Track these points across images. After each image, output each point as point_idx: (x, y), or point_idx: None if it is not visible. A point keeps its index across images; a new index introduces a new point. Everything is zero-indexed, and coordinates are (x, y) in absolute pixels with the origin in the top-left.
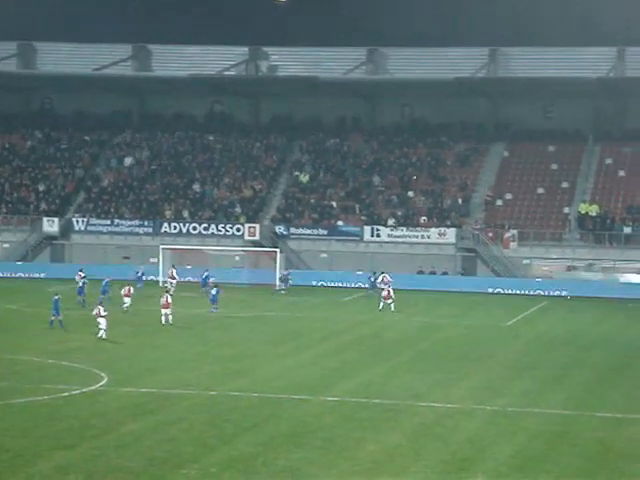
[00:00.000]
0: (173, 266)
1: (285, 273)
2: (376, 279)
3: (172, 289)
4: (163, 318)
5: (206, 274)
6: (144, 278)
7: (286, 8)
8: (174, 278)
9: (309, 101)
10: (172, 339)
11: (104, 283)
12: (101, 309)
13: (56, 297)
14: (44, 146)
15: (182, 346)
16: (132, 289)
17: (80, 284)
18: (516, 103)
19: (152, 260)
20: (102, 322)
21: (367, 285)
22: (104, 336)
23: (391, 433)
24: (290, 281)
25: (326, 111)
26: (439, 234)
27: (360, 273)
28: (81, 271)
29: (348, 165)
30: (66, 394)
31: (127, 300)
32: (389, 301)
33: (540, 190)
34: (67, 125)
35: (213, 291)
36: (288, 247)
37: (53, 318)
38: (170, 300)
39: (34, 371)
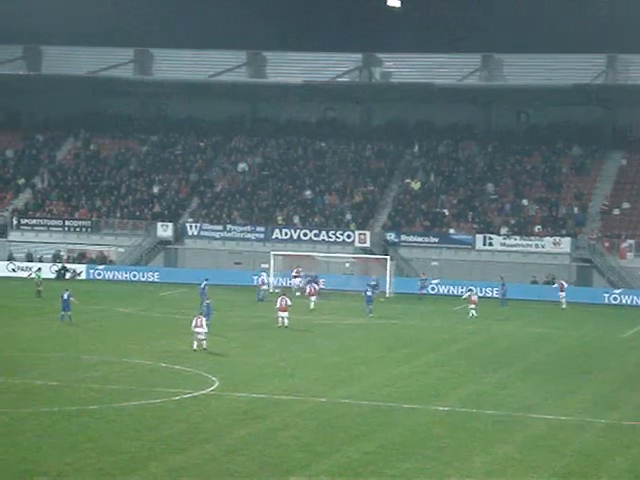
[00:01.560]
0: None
1: (372, 281)
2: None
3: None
4: (279, 320)
5: (204, 283)
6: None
7: (400, 14)
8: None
9: (422, 107)
10: (281, 345)
11: (202, 289)
12: (203, 319)
13: (66, 294)
14: (159, 151)
15: (291, 352)
16: (288, 301)
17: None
18: (635, 110)
19: (263, 266)
20: (201, 332)
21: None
22: (204, 346)
23: (502, 444)
24: (379, 289)
25: (439, 117)
26: (554, 243)
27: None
28: (207, 280)
29: (461, 172)
30: (178, 398)
31: (283, 314)
32: (472, 306)
33: None
34: (182, 130)
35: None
36: (399, 254)
37: (63, 313)
38: (289, 303)
39: (147, 374)
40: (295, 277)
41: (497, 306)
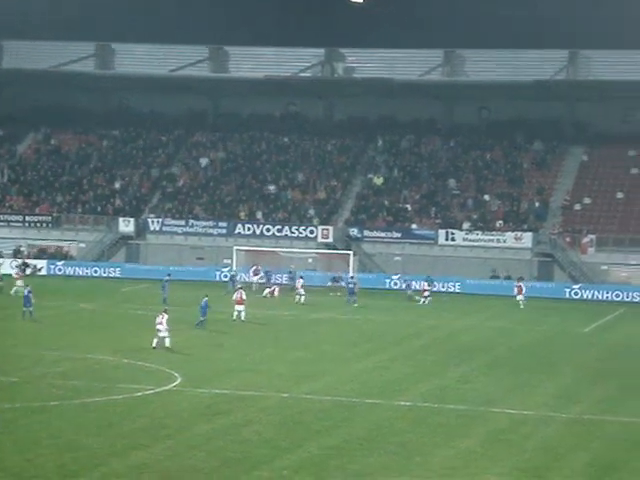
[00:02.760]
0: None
1: (336, 276)
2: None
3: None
4: (235, 314)
5: (166, 279)
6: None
7: (363, 9)
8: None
9: (384, 102)
10: (244, 340)
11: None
12: (166, 317)
13: (27, 290)
14: (120, 145)
15: (254, 348)
16: (243, 294)
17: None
18: (595, 106)
19: (226, 261)
20: (162, 329)
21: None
22: (167, 344)
23: (465, 439)
24: (343, 283)
25: (401, 112)
26: (515, 238)
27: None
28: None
29: (423, 167)
30: (140, 394)
31: (239, 307)
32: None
33: (619, 195)
34: (143, 125)
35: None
36: (362, 250)
37: (24, 309)
38: (244, 297)
39: (109, 370)
40: (254, 275)
41: (457, 301)
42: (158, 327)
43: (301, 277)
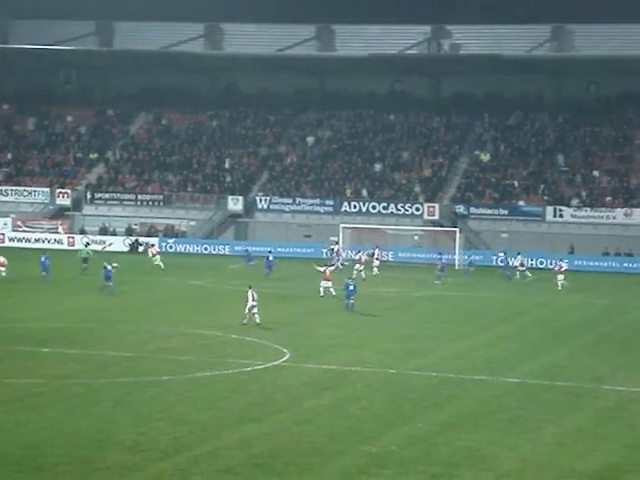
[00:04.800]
0: (377, 247)
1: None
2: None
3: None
4: (321, 290)
5: (270, 256)
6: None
7: None
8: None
9: (491, 79)
10: (350, 317)
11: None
12: (254, 294)
13: (110, 265)
14: (230, 125)
15: (360, 324)
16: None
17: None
18: None
19: (332, 238)
20: (250, 305)
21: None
22: (257, 320)
23: (573, 416)
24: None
25: (508, 88)
26: (625, 214)
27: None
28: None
29: (531, 143)
30: (250, 369)
31: (326, 284)
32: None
33: None
34: (251, 105)
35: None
36: (468, 227)
37: (105, 284)
38: (329, 273)
39: (219, 346)
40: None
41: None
42: (249, 303)
43: (375, 249)
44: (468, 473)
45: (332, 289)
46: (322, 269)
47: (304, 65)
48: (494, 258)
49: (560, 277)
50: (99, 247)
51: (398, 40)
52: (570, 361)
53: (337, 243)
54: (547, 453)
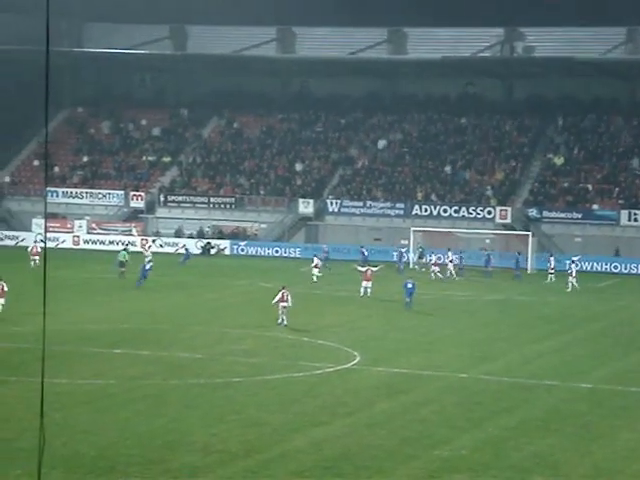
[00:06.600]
0: (449, 249)
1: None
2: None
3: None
4: (362, 290)
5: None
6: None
7: None
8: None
9: (565, 81)
10: (420, 321)
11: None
12: (289, 295)
13: (149, 265)
14: (301, 129)
15: (430, 328)
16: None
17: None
18: None
19: (403, 242)
20: (285, 306)
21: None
22: (285, 321)
23: None
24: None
25: (582, 91)
26: None
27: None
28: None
29: (605, 147)
30: (320, 371)
31: (367, 284)
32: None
33: None
34: (322, 108)
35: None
36: (541, 231)
37: (141, 280)
38: (370, 274)
39: (290, 348)
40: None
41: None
42: (282, 304)
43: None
44: (539, 479)
45: (369, 289)
46: (364, 269)
47: (376, 68)
48: (567, 262)
49: (571, 278)
50: (212, 251)
51: (471, 43)
52: None
53: (422, 249)
54: (620, 459)
